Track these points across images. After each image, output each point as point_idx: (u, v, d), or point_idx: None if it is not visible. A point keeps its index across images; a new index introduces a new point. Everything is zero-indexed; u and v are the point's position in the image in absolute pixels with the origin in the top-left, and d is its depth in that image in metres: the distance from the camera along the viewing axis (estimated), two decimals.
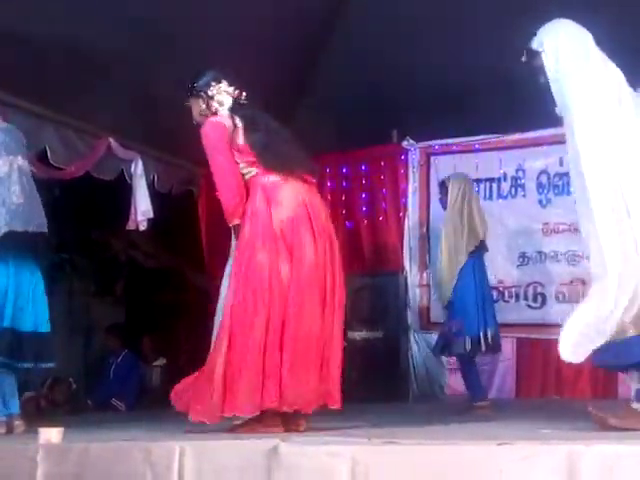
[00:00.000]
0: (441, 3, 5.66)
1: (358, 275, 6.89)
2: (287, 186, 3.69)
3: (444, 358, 6.31)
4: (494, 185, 6.84)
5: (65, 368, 7.43)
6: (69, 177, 5.87)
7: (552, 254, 6.45)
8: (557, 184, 6.46)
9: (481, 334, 5.10)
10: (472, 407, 5.06)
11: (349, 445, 2.64)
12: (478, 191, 6.64)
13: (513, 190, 6.80)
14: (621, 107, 3.18)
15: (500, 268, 6.48)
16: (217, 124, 3.74)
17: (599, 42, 3.29)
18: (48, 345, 4.24)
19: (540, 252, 6.55)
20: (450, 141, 6.98)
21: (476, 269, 5.21)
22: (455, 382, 6.28)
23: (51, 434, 3.14)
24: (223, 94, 3.80)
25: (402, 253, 7.06)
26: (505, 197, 6.81)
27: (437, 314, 6.46)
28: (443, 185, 5.47)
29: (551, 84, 3.29)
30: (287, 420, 3.56)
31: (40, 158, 5.48)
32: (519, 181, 6.78)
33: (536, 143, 6.58)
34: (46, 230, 4.17)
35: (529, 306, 6.59)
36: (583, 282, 5.85)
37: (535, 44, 3.35)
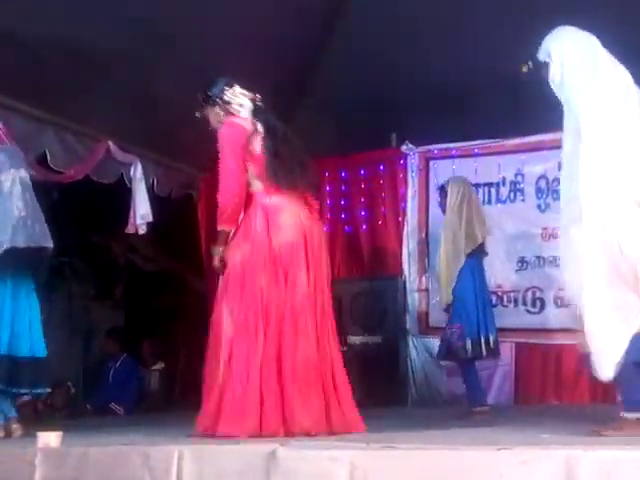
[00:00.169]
0: (441, 3, 5.67)
1: (357, 279, 6.89)
2: (288, 210, 3.69)
3: (443, 363, 6.29)
4: (493, 190, 6.83)
5: (64, 372, 7.43)
6: (69, 181, 5.86)
7: (551, 259, 6.44)
8: (556, 189, 6.44)
9: (482, 338, 5.09)
10: (471, 412, 5.06)
11: (348, 450, 2.64)
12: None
13: (512, 195, 6.80)
14: (628, 110, 3.16)
15: (499, 273, 6.48)
16: (234, 125, 3.73)
17: (602, 43, 3.27)
18: (44, 370, 4.24)
19: (539, 257, 6.55)
20: (449, 145, 6.98)
21: (475, 272, 5.21)
22: (454, 387, 6.27)
23: (50, 438, 3.14)
24: (240, 96, 3.80)
25: (401, 257, 7.06)
26: (504, 202, 6.80)
27: (436, 319, 6.45)
28: (442, 189, 5.48)
29: (559, 93, 3.26)
30: None
31: (40, 162, 5.48)
32: (518, 186, 6.78)
33: (535, 148, 6.58)
34: (50, 245, 4.15)
35: (528, 311, 6.58)
36: None
37: (541, 55, 3.31)
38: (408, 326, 6.87)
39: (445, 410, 5.89)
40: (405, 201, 7.12)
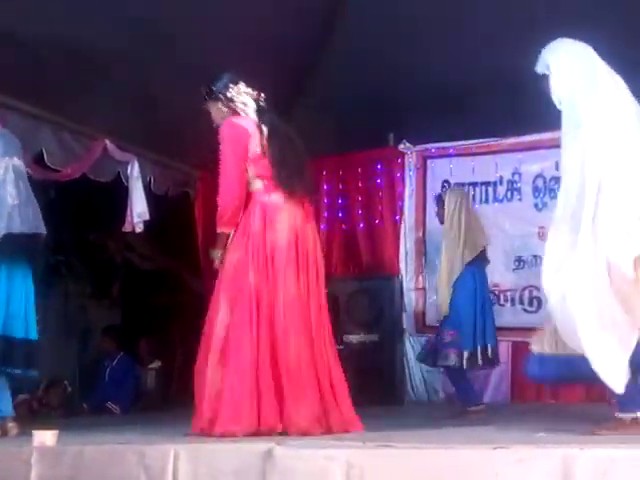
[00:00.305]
0: (439, 3, 5.66)
1: (354, 278, 6.89)
2: (285, 210, 3.68)
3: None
4: (490, 189, 6.84)
5: (60, 371, 7.43)
6: (66, 179, 5.86)
7: None
8: (553, 188, 6.45)
9: (479, 348, 5.06)
10: (467, 412, 5.05)
11: (344, 448, 2.64)
12: (474, 195, 6.66)
13: (509, 194, 6.80)
14: (628, 121, 3.15)
15: (496, 272, 6.46)
16: (235, 125, 3.71)
17: (600, 54, 3.28)
18: (36, 353, 4.23)
19: (536, 256, 6.54)
20: (446, 144, 6.99)
21: (477, 280, 5.17)
22: (450, 386, 6.27)
23: (46, 437, 3.14)
24: (244, 95, 3.78)
25: (398, 256, 7.06)
26: (501, 201, 6.81)
27: (432, 318, 6.45)
28: (439, 198, 5.46)
29: (560, 106, 3.26)
30: None
31: (37, 160, 5.47)
32: (515, 185, 6.78)
33: (532, 147, 6.58)
34: (44, 232, 4.16)
35: (525, 310, 6.59)
36: None
37: (539, 67, 3.33)
38: (405, 325, 6.87)
39: (441, 409, 5.89)
40: (402, 200, 7.12)
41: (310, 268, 3.69)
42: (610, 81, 3.23)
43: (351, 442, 2.83)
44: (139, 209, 6.21)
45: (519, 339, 6.52)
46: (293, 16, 5.68)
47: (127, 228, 6.30)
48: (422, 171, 7.08)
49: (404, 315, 6.87)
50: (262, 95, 3.81)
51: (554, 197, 6.50)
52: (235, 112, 3.78)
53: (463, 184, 6.65)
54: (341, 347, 5.41)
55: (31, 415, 6.28)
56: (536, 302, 6.54)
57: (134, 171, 6.29)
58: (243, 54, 5.26)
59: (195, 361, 3.67)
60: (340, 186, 7.35)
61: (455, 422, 4.43)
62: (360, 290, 6.69)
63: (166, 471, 2.73)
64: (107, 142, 6.05)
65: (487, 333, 5.12)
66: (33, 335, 4.20)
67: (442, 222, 5.35)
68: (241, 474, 2.64)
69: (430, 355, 5.24)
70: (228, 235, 3.70)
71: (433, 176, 7.00)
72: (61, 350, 7.63)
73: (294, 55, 6.12)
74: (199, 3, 5.08)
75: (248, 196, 3.73)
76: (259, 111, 3.75)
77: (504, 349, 6.28)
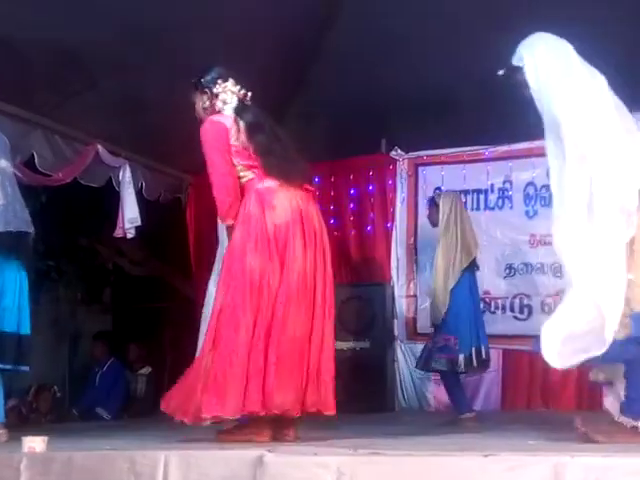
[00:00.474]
0: (434, 12, 5.68)
1: (345, 285, 6.88)
2: (282, 191, 3.69)
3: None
4: (481, 196, 6.85)
5: (50, 376, 7.40)
6: (57, 184, 5.84)
7: (538, 266, 6.46)
8: (544, 196, 6.48)
9: (474, 351, 5.07)
10: (458, 419, 5.05)
11: (335, 455, 2.64)
12: (465, 202, 6.67)
13: (500, 201, 6.82)
14: (604, 111, 3.17)
15: (486, 279, 6.48)
16: (216, 123, 3.73)
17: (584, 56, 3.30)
18: (27, 348, 4.20)
19: (526, 264, 6.57)
20: (438, 152, 7.00)
21: (472, 286, 5.19)
22: (441, 393, 6.27)
23: (35, 443, 3.12)
24: (228, 93, 3.78)
25: (389, 263, 7.07)
26: (492, 208, 6.82)
27: (423, 325, 6.45)
28: (432, 202, 5.46)
29: (534, 97, 3.30)
30: (275, 429, 3.55)
31: (27, 164, 5.45)
32: (506, 192, 6.80)
33: (523, 155, 6.60)
34: (31, 230, 4.14)
35: (515, 317, 6.61)
36: None
37: (515, 60, 3.35)
38: (396, 332, 6.88)
39: (432, 416, 5.89)
40: (394, 207, 7.13)
41: (317, 246, 3.68)
42: (585, 72, 3.24)
43: (342, 449, 2.82)
44: (131, 214, 6.20)
45: (509, 346, 6.55)
46: (285, 24, 5.69)
47: (118, 233, 6.29)
48: (414, 178, 7.10)
49: (395, 322, 6.88)
50: (249, 94, 3.82)
51: (545, 205, 6.53)
52: (214, 109, 3.80)
53: (454, 191, 6.66)
54: None
55: (20, 420, 6.25)
56: (527, 310, 6.56)
57: (126, 176, 6.28)
58: (234, 59, 5.25)
59: (186, 367, 3.67)
60: (332, 192, 7.35)
61: (446, 429, 4.43)
62: (351, 297, 6.68)
63: (156, 477, 2.72)
64: (99, 147, 6.04)
65: (480, 334, 5.14)
66: (25, 330, 4.16)
67: (434, 225, 5.36)
68: None
69: (425, 360, 5.24)
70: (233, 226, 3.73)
71: (425, 183, 7.01)
72: (51, 355, 7.60)
73: (286, 61, 6.12)
74: (188, 7, 5.08)
75: (242, 188, 3.74)
76: (241, 108, 3.77)
77: (495, 356, 6.28)
